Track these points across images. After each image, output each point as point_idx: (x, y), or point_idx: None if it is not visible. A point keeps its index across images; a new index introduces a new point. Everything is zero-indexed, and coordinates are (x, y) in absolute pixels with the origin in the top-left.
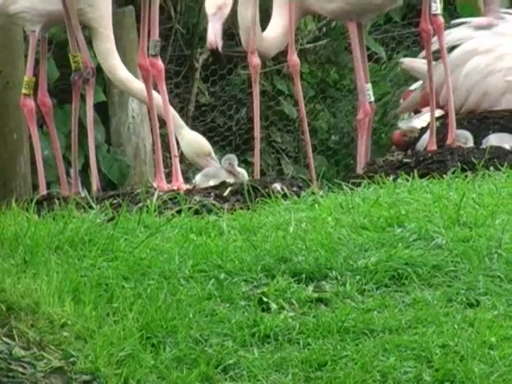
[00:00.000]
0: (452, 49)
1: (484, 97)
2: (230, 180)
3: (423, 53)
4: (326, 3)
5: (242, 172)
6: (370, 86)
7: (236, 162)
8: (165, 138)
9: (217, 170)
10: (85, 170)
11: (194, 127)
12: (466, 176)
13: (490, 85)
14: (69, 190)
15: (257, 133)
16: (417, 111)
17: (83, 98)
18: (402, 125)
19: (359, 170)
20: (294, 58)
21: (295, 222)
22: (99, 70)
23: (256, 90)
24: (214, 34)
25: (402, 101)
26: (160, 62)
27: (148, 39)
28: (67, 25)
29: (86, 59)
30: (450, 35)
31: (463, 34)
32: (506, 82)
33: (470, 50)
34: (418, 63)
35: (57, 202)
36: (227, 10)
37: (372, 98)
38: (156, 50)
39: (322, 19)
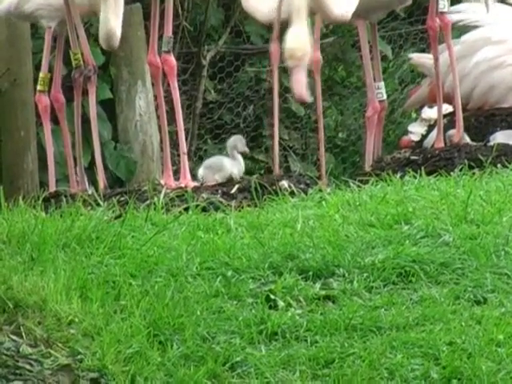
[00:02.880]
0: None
1: (491, 90)
2: (234, 170)
3: None
4: None
5: (239, 159)
6: (382, 84)
7: (244, 141)
8: (172, 135)
9: (219, 160)
10: (92, 168)
11: (201, 124)
12: (474, 173)
13: (497, 78)
14: (77, 188)
15: (276, 121)
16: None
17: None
18: (411, 128)
19: (367, 167)
20: (317, 55)
21: (302, 219)
22: (106, 67)
23: (275, 78)
24: (300, 87)
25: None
26: (173, 59)
27: (158, 36)
28: (68, 21)
29: (87, 56)
30: (467, 15)
31: (480, 17)
32: None
33: (483, 37)
34: (426, 59)
35: (64, 199)
36: (307, 58)
37: (385, 96)
38: (169, 46)
39: None
